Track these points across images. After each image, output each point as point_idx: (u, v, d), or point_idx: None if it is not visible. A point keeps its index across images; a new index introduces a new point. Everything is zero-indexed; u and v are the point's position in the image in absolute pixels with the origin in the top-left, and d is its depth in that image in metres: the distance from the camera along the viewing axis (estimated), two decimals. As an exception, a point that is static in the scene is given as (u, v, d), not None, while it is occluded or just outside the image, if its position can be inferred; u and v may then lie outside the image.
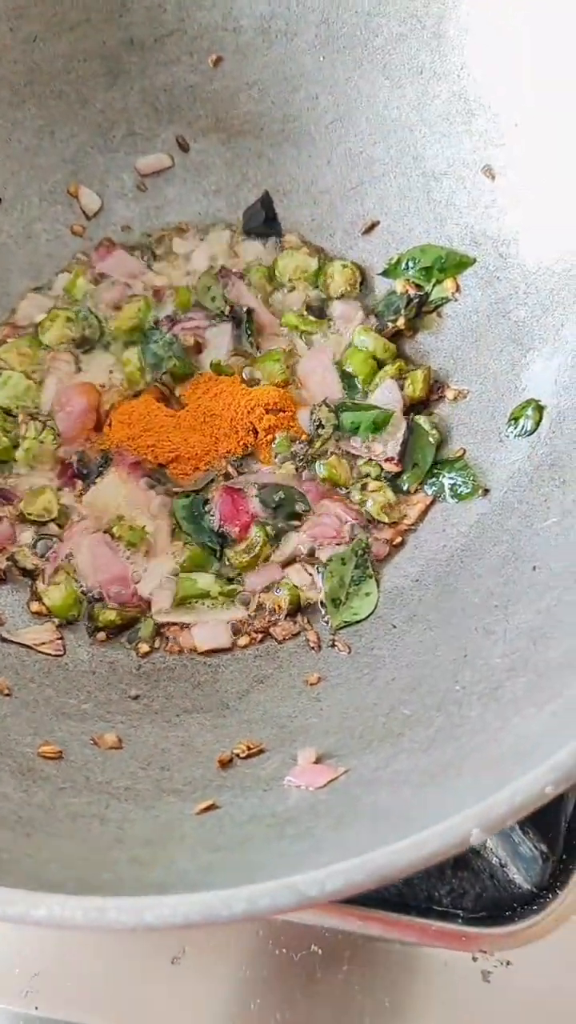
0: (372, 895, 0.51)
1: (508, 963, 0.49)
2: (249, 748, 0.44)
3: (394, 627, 0.49)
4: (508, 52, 0.54)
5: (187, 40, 0.60)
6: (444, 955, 0.50)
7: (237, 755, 0.44)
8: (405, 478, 0.54)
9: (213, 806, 0.40)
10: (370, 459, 0.55)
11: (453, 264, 0.57)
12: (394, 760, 0.39)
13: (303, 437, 0.55)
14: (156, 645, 0.51)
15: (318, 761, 0.41)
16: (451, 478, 0.53)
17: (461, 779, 0.36)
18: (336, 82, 0.60)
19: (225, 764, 0.43)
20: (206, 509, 0.53)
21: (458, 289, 0.57)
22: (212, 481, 0.54)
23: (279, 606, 0.51)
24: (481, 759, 0.36)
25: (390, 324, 0.58)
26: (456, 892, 0.51)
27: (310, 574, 0.52)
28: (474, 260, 0.57)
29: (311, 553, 0.52)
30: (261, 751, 0.44)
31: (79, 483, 0.55)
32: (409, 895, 0.51)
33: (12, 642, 0.50)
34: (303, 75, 0.60)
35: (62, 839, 0.38)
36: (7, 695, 0.47)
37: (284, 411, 0.55)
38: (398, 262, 0.59)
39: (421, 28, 0.56)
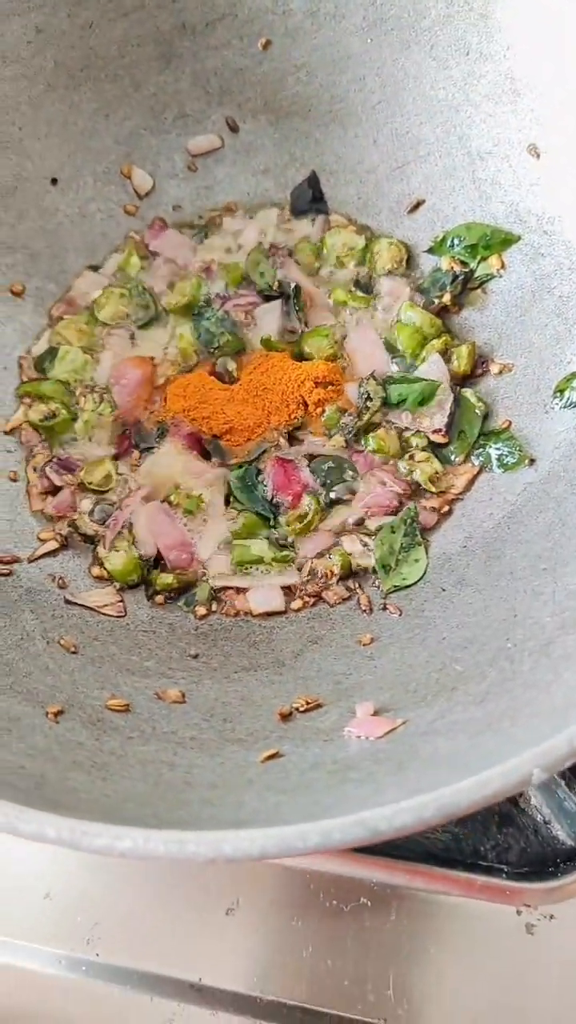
0: (420, 850, 0.53)
1: (551, 917, 0.51)
2: (308, 702, 0.46)
3: (443, 591, 0.50)
4: (554, 32, 0.55)
5: (238, 24, 0.62)
6: (489, 908, 0.52)
7: (296, 709, 0.46)
8: (452, 449, 0.56)
9: (276, 754, 0.42)
10: (417, 431, 0.56)
11: (498, 241, 0.58)
12: (449, 712, 0.41)
13: (351, 410, 0.57)
14: (212, 608, 0.53)
15: (376, 714, 0.43)
16: (497, 449, 0.54)
17: (516, 728, 0.38)
18: (383, 63, 0.61)
19: (285, 717, 0.45)
20: (259, 479, 0.55)
21: (503, 266, 0.59)
22: (264, 452, 0.56)
23: (331, 571, 0.53)
24: (535, 709, 0.38)
25: (436, 300, 0.60)
26: (501, 847, 0.52)
27: (362, 542, 0.53)
28: (519, 237, 0.58)
29: (361, 522, 0.54)
30: (319, 705, 0.46)
31: (136, 453, 0.57)
32: (455, 850, 0.52)
33: (76, 604, 0.52)
34: (350, 57, 0.61)
35: (135, 782, 0.40)
36: (74, 652, 0.49)
37: (333, 385, 0.57)
38: (443, 240, 0.60)
39: (468, 9, 0.57)
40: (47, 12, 0.59)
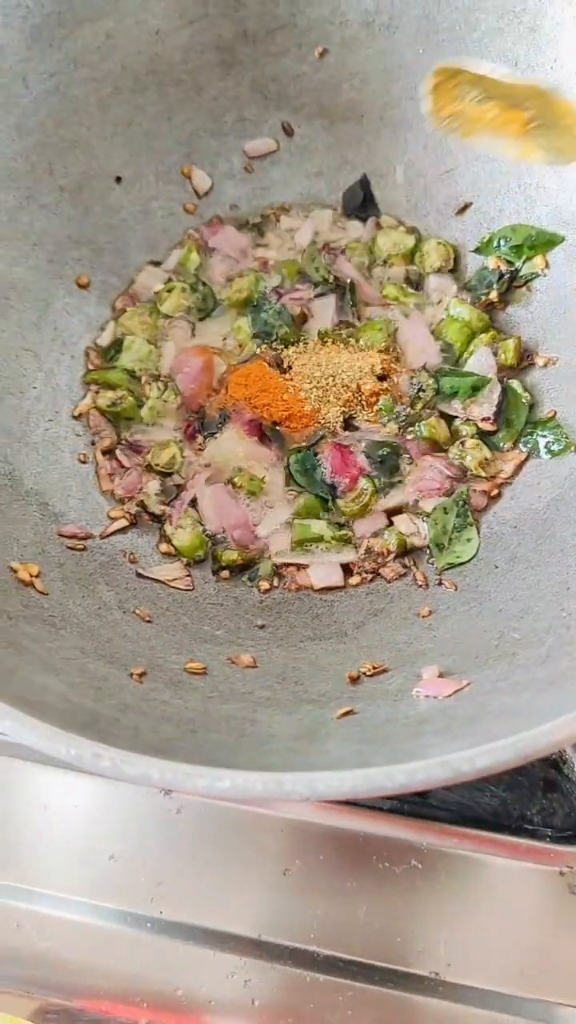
0: (469, 815, 0.56)
1: (593, 878, 0.54)
2: (374, 667, 0.49)
3: (496, 567, 0.53)
4: (600, 46, 0.58)
5: (296, 33, 0.65)
6: (534, 870, 0.54)
7: (363, 673, 0.49)
8: (500, 436, 0.59)
9: (351, 712, 0.45)
10: (467, 419, 0.59)
11: (542, 242, 0.62)
12: (512, 674, 0.44)
13: (404, 400, 0.60)
14: (275, 584, 0.56)
15: (441, 676, 0.46)
16: (544, 436, 0.57)
17: (580, 684, 0.41)
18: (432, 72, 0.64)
19: (354, 680, 0.48)
20: (317, 462, 0.58)
21: (547, 265, 0.62)
22: (322, 438, 0.59)
23: (387, 550, 0.56)
24: (596, 668, 0.41)
25: (483, 297, 0.63)
26: (546, 812, 0.55)
27: (415, 523, 0.56)
28: (563, 238, 0.61)
29: (415, 504, 0.57)
30: (385, 670, 0.49)
31: (200, 438, 0.60)
32: (503, 814, 0.55)
33: (147, 578, 0.55)
34: (403, 66, 0.65)
35: (221, 735, 0.43)
36: (148, 622, 0.52)
37: (388, 376, 0.60)
38: (490, 240, 0.64)
39: (518, 23, 0.61)
40: (117, 19, 0.62)
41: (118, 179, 0.65)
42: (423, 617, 0.53)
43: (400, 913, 0.54)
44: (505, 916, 0.54)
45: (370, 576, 0.56)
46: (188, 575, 0.56)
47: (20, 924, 0.55)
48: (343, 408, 0.60)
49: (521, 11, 0.60)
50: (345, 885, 0.55)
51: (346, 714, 0.45)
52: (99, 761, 0.37)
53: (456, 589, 0.54)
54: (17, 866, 0.56)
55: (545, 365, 0.60)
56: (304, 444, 0.59)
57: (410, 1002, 0.52)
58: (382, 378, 0.61)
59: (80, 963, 0.55)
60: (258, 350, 0.62)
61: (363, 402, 0.60)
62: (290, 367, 0.62)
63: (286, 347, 0.62)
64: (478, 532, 0.56)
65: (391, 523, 0.57)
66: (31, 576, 0.51)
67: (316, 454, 0.59)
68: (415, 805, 0.56)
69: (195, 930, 0.55)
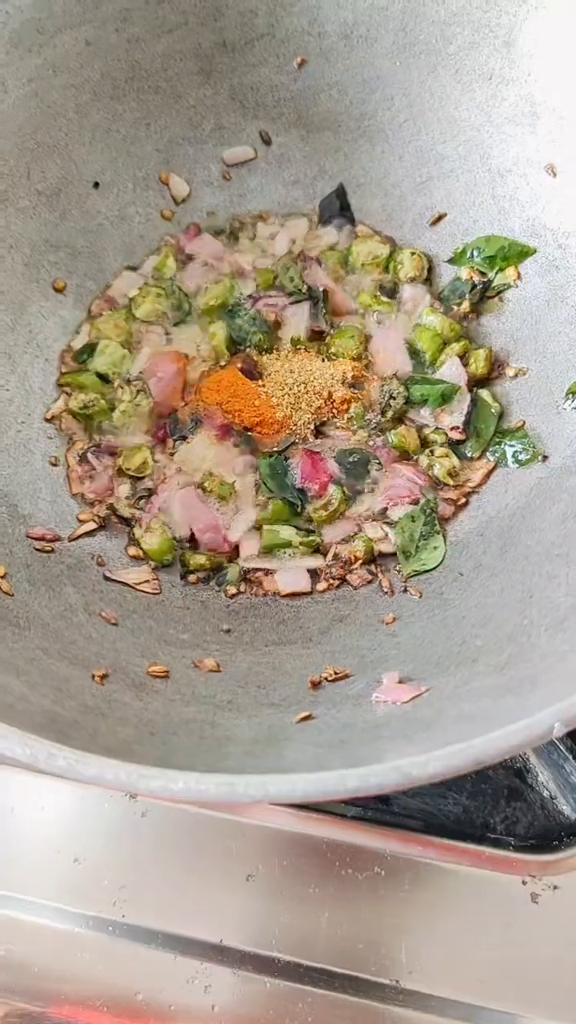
0: (433, 822, 0.56)
1: (555, 887, 0.54)
2: (336, 673, 0.49)
3: (461, 575, 0.54)
4: (573, 61, 0.59)
5: (275, 43, 0.66)
6: (496, 878, 0.55)
7: (325, 678, 0.49)
8: (469, 445, 0.59)
9: (310, 716, 0.45)
10: (437, 428, 0.60)
11: (515, 254, 0.62)
12: (471, 680, 0.45)
13: (375, 407, 0.60)
14: (242, 588, 0.56)
15: (401, 682, 0.46)
16: (512, 446, 0.58)
17: (536, 691, 0.41)
18: (410, 84, 0.65)
19: (315, 685, 0.48)
20: (288, 468, 0.58)
21: (519, 277, 0.63)
22: (292, 444, 0.59)
23: (355, 556, 0.56)
24: (553, 675, 0.41)
25: (455, 307, 0.63)
26: (509, 820, 0.55)
27: (383, 529, 0.57)
28: (535, 250, 0.62)
29: (383, 511, 0.58)
30: (346, 675, 0.49)
31: (171, 442, 0.60)
32: (466, 822, 0.56)
33: (114, 580, 0.55)
34: (380, 78, 0.65)
35: (180, 737, 0.43)
36: (114, 624, 0.52)
37: (358, 384, 0.61)
38: (463, 251, 0.64)
39: (493, 37, 0.61)
40: (97, 26, 0.63)
41: (96, 184, 0.66)
42: (387, 624, 0.53)
43: (362, 920, 0.54)
44: (467, 925, 0.54)
45: (337, 582, 0.56)
46: (156, 579, 0.56)
47: (-21, 926, 0.55)
48: (314, 415, 0.60)
49: (496, 25, 0.61)
50: (308, 891, 0.55)
51: (305, 719, 0.45)
52: (54, 761, 0.37)
53: (421, 596, 0.54)
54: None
55: (515, 376, 0.61)
56: (275, 449, 0.59)
57: (371, 1009, 0.52)
58: (353, 386, 0.61)
59: (42, 967, 0.54)
60: (231, 356, 0.62)
61: (334, 409, 0.60)
62: (262, 373, 0.62)
63: (260, 354, 0.63)
64: (444, 540, 0.56)
65: (359, 530, 0.57)
66: (-3, 576, 0.51)
67: (287, 460, 0.59)
68: (379, 812, 0.56)
69: (157, 934, 0.55)
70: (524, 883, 0.54)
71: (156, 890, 0.56)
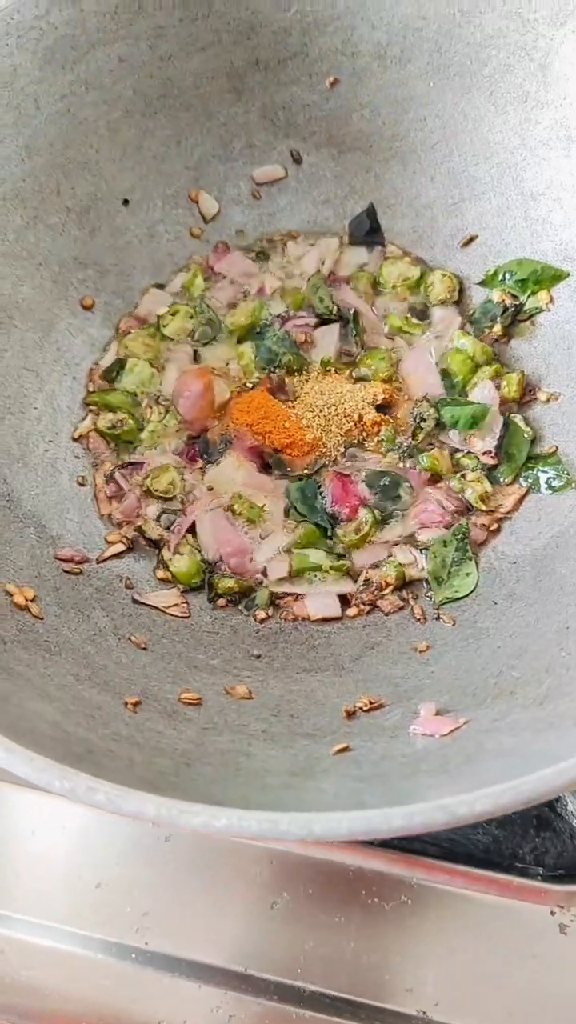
0: (461, 851, 0.55)
1: (584, 918, 0.53)
2: (371, 703, 0.48)
3: (495, 603, 0.53)
4: (610, 85, 0.59)
5: (307, 63, 0.65)
6: (525, 908, 0.54)
7: (360, 708, 0.48)
8: (501, 470, 0.59)
9: (347, 748, 0.44)
10: (468, 452, 0.59)
11: (548, 277, 0.62)
12: (510, 713, 0.44)
13: (406, 430, 0.60)
14: (271, 613, 0.56)
15: (438, 714, 0.46)
16: (545, 472, 0.57)
17: (579, 727, 0.40)
18: (444, 106, 0.64)
19: (350, 715, 0.48)
20: (318, 491, 0.58)
21: (552, 300, 0.62)
22: (323, 467, 0.59)
23: (386, 582, 0.55)
24: (595, 711, 0.41)
25: (487, 330, 0.63)
26: (538, 850, 0.55)
27: (413, 553, 0.56)
28: (568, 274, 0.62)
29: (414, 536, 0.57)
30: (381, 705, 0.48)
31: (200, 463, 0.60)
32: (495, 852, 0.55)
33: (143, 604, 0.55)
34: (413, 98, 0.65)
35: (216, 768, 0.42)
36: (144, 649, 0.52)
37: (389, 406, 0.60)
38: (495, 274, 0.64)
39: (529, 60, 0.61)
40: (130, 43, 0.63)
41: (125, 201, 0.65)
42: (420, 652, 0.52)
43: (388, 950, 0.54)
44: (495, 955, 0.53)
45: (367, 608, 0.55)
46: (184, 602, 0.55)
47: (2, 951, 0.55)
48: (344, 437, 0.60)
49: (532, 48, 0.60)
50: (333, 920, 0.55)
51: (342, 751, 0.44)
52: (93, 795, 0.37)
53: (454, 624, 0.54)
54: (1, 891, 0.56)
55: (547, 400, 0.60)
56: (306, 472, 0.59)
57: (397, 1042, 0.52)
58: (384, 408, 0.60)
59: (63, 993, 0.54)
60: (261, 376, 0.62)
61: (365, 431, 0.60)
62: (292, 394, 0.61)
63: (290, 374, 0.62)
64: (477, 567, 0.56)
65: (390, 555, 0.56)
66: (27, 600, 0.50)
67: (318, 484, 0.58)
68: (406, 840, 0.55)
69: (180, 962, 0.54)
70: (552, 913, 0.54)
71: (179, 917, 0.55)
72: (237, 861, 0.56)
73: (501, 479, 0.59)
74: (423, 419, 0.60)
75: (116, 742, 0.42)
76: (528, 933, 0.54)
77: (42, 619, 0.50)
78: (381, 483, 0.58)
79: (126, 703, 0.46)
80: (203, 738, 0.45)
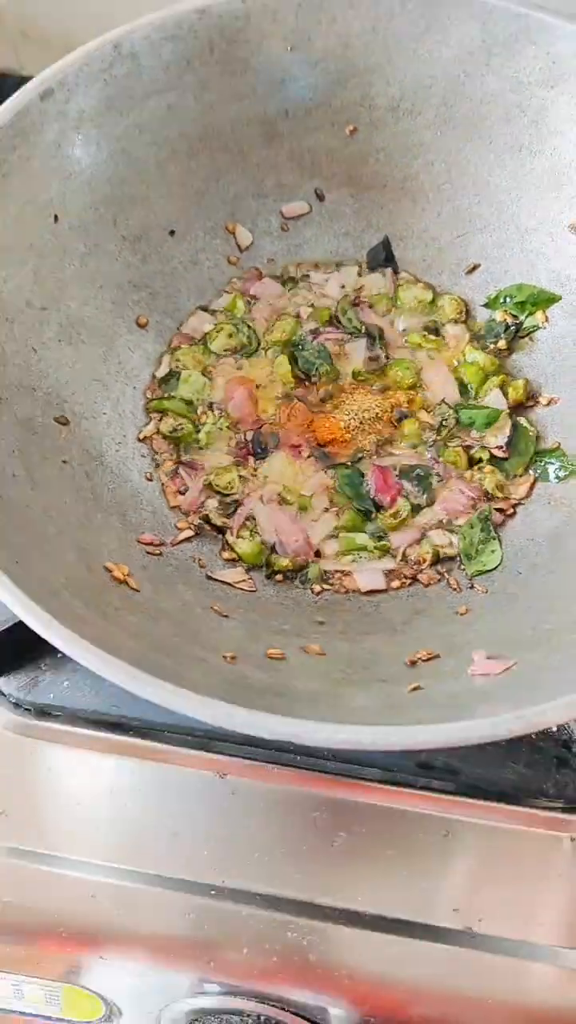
0: (495, 790, 0.64)
1: (599, 842, 0.63)
2: (428, 654, 0.57)
3: (520, 573, 0.63)
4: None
5: (330, 113, 0.75)
6: (548, 836, 0.63)
7: (420, 659, 0.57)
8: (512, 463, 0.68)
9: (419, 687, 0.53)
10: (482, 447, 0.69)
11: (543, 300, 0.72)
12: (551, 655, 0.53)
13: (430, 429, 0.69)
14: (324, 587, 0.64)
15: (490, 658, 0.55)
16: (551, 463, 0.67)
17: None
18: (449, 152, 0.75)
19: (413, 664, 0.56)
20: (362, 481, 0.67)
21: (547, 319, 0.72)
22: (360, 459, 0.68)
23: (423, 558, 0.64)
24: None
25: (492, 345, 0.73)
26: (559, 786, 0.64)
27: (447, 536, 0.66)
28: (560, 297, 0.72)
29: (443, 520, 0.66)
30: (438, 656, 0.57)
31: (252, 460, 0.68)
32: (522, 788, 0.64)
33: (216, 580, 0.63)
34: (422, 145, 0.75)
35: (316, 706, 0.50)
36: (225, 616, 0.59)
37: (414, 409, 0.70)
38: (497, 297, 0.74)
39: (523, 115, 0.72)
40: (178, 93, 0.71)
41: (172, 232, 0.73)
42: (461, 615, 0.61)
43: (435, 876, 0.62)
44: (524, 876, 0.62)
45: (409, 581, 0.64)
46: (250, 578, 0.63)
47: (94, 895, 0.61)
48: (378, 435, 0.69)
49: (527, 106, 0.71)
50: (385, 853, 0.62)
51: (415, 689, 0.53)
52: (232, 719, 0.44)
53: (487, 592, 0.63)
54: (89, 842, 0.62)
55: (548, 404, 0.70)
56: (347, 463, 0.67)
57: (446, 952, 0.60)
58: (410, 411, 0.70)
59: (150, 928, 0.60)
60: (296, 385, 0.71)
61: (395, 431, 0.69)
62: (328, 400, 0.70)
63: (325, 383, 0.71)
64: (500, 544, 0.65)
65: (424, 535, 0.66)
66: (124, 575, 0.58)
67: (361, 474, 0.67)
68: (445, 783, 0.64)
69: (254, 896, 0.61)
70: (573, 839, 0.63)
71: (250, 858, 0.62)
72: (297, 808, 0.64)
73: (512, 472, 0.68)
74: (444, 420, 0.69)
75: (229, 684, 0.50)
76: (551, 857, 0.62)
77: (138, 591, 0.57)
78: (414, 475, 0.67)
79: (225, 657, 0.54)
80: (295, 683, 0.53)
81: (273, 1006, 0.59)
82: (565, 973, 0.59)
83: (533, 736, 0.64)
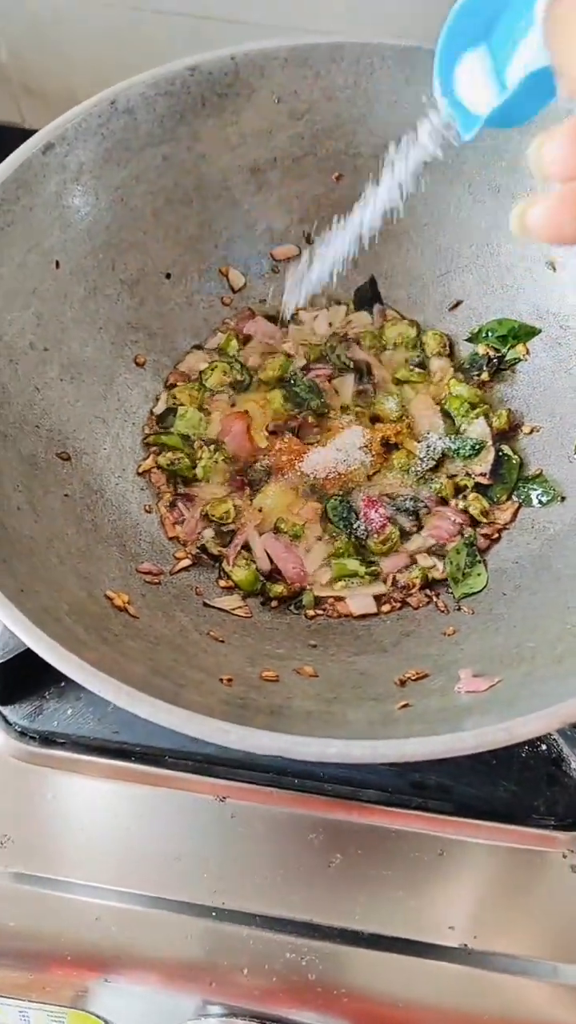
0: (486, 808, 0.65)
1: (591, 859, 0.64)
2: (416, 673, 0.59)
3: (504, 594, 0.65)
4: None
5: (317, 161, 0.78)
6: (541, 853, 0.64)
7: (409, 678, 0.59)
8: (495, 490, 0.71)
9: (408, 704, 0.55)
10: (468, 475, 0.72)
11: (524, 333, 0.75)
12: (535, 671, 0.55)
13: (417, 461, 0.72)
14: (318, 612, 0.66)
15: (476, 676, 0.57)
16: (535, 489, 0.70)
17: (594, 671, 0.52)
18: (430, 195, 0.77)
19: (402, 683, 0.59)
20: (351, 510, 0.69)
21: (527, 352, 0.76)
22: (350, 491, 0.71)
23: (412, 582, 0.67)
24: (605, 661, 0.53)
25: (475, 377, 0.76)
26: (550, 803, 0.65)
27: (433, 560, 0.68)
28: (540, 331, 0.75)
29: (431, 546, 0.69)
30: (426, 675, 0.59)
31: (247, 490, 0.71)
32: (514, 807, 0.65)
33: (213, 607, 0.65)
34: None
35: (308, 724, 0.52)
36: (221, 642, 0.62)
37: (402, 441, 0.72)
38: (479, 331, 0.77)
39: (500, 160, 0.75)
40: (172, 144, 0.75)
41: (167, 275, 0.77)
42: (448, 635, 0.63)
43: (430, 895, 0.63)
44: (518, 893, 0.63)
45: (399, 605, 0.66)
46: (246, 605, 0.66)
47: (99, 918, 0.62)
48: (367, 468, 0.71)
49: (504, 150, 0.75)
50: (382, 873, 0.64)
51: (404, 706, 0.55)
52: (227, 736, 0.46)
53: (473, 613, 0.65)
54: (93, 866, 0.64)
55: (530, 432, 0.73)
56: (339, 494, 0.70)
57: (443, 969, 0.61)
58: (396, 445, 0.73)
59: (153, 950, 0.62)
60: (287, 418, 0.73)
61: (383, 462, 0.72)
62: (319, 434, 0.73)
63: (316, 418, 0.74)
64: (486, 567, 0.67)
65: (414, 561, 0.68)
66: (124, 603, 0.60)
67: (350, 504, 0.70)
68: (439, 802, 0.65)
69: (254, 917, 0.62)
70: (564, 856, 0.64)
71: (249, 880, 0.63)
72: (294, 831, 0.65)
73: (495, 498, 0.71)
74: (431, 449, 0.72)
75: (225, 705, 0.52)
76: (545, 874, 0.64)
77: (138, 618, 0.60)
78: (402, 504, 0.70)
79: (221, 679, 0.56)
80: (290, 703, 0.55)
81: (274, 1026, 0.61)
82: (561, 989, 0.60)
83: (523, 754, 0.65)
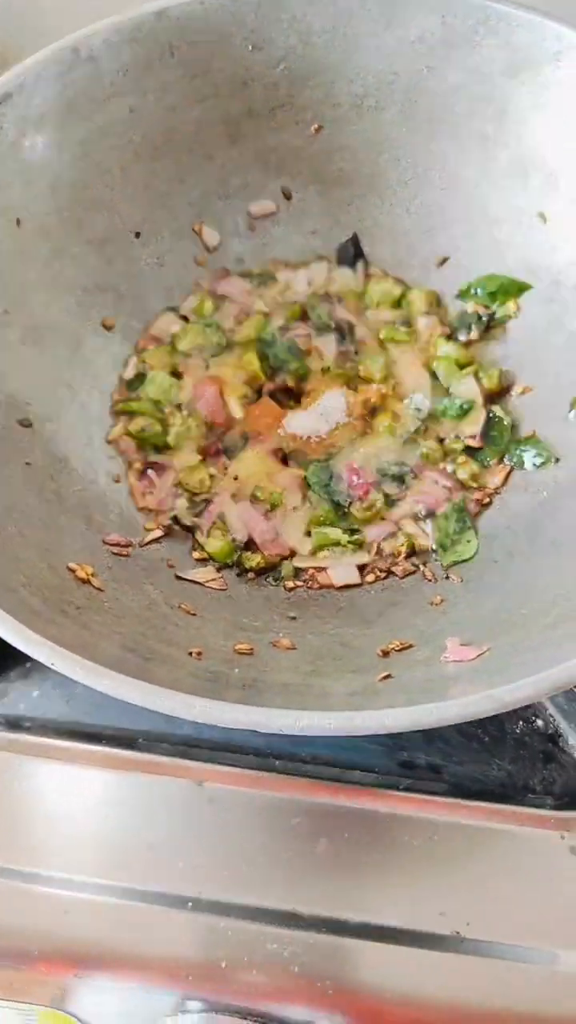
0: (479, 788, 0.62)
1: (590, 840, 0.60)
2: (401, 644, 0.55)
3: (496, 561, 0.61)
4: (558, 127, 0.69)
5: (295, 112, 0.74)
6: (538, 834, 0.61)
7: (392, 648, 0.55)
8: (486, 453, 0.67)
9: (389, 676, 0.51)
10: (456, 437, 0.68)
11: (514, 289, 0.71)
12: (527, 638, 0.51)
13: (403, 422, 0.68)
14: (298, 583, 0.62)
15: (464, 645, 0.53)
16: (527, 451, 0.66)
17: (589, 636, 0.48)
18: (414, 147, 0.74)
19: (385, 654, 0.55)
20: (331, 476, 0.65)
21: (518, 308, 0.71)
22: (332, 456, 0.67)
23: (398, 551, 0.63)
24: (601, 625, 0.49)
25: (464, 336, 0.72)
26: (547, 782, 0.62)
27: (420, 527, 0.64)
28: (530, 286, 0.71)
29: (419, 513, 0.65)
30: (411, 646, 0.55)
31: (223, 458, 0.67)
32: (509, 787, 0.62)
33: (185, 579, 0.61)
34: (387, 141, 0.75)
35: (284, 696, 0.49)
36: (193, 615, 0.58)
37: (387, 403, 0.68)
38: (468, 288, 0.73)
39: (487, 106, 0.71)
40: (139, 96, 0.71)
41: (137, 234, 0.73)
42: (436, 605, 0.60)
43: (421, 881, 0.60)
44: (514, 877, 0.60)
45: (383, 575, 0.63)
46: (221, 577, 0.62)
47: (67, 911, 0.59)
48: (350, 431, 0.67)
49: (490, 98, 0.70)
50: (370, 859, 0.60)
51: (386, 677, 0.51)
52: (191, 710, 0.43)
53: (462, 581, 0.61)
54: (63, 857, 0.60)
55: (522, 392, 0.69)
56: (320, 459, 0.66)
57: (435, 959, 0.57)
58: (381, 407, 0.69)
59: (128, 942, 0.58)
60: (265, 381, 0.70)
61: (368, 426, 0.68)
62: (299, 397, 0.69)
63: (297, 381, 0.70)
64: (476, 534, 0.64)
65: (400, 528, 0.64)
66: (87, 575, 0.56)
67: (332, 471, 0.66)
68: (430, 783, 0.62)
69: (234, 907, 0.59)
70: (562, 837, 0.61)
71: (229, 868, 0.60)
72: (276, 815, 0.62)
73: (486, 461, 0.67)
74: (419, 411, 0.68)
75: (196, 679, 0.48)
76: (542, 856, 0.60)
77: (103, 591, 0.56)
78: (387, 468, 0.66)
79: (191, 653, 0.52)
80: (265, 676, 0.51)
81: (256, 1021, 0.57)
82: (557, 976, 0.56)
83: (517, 730, 0.62)
